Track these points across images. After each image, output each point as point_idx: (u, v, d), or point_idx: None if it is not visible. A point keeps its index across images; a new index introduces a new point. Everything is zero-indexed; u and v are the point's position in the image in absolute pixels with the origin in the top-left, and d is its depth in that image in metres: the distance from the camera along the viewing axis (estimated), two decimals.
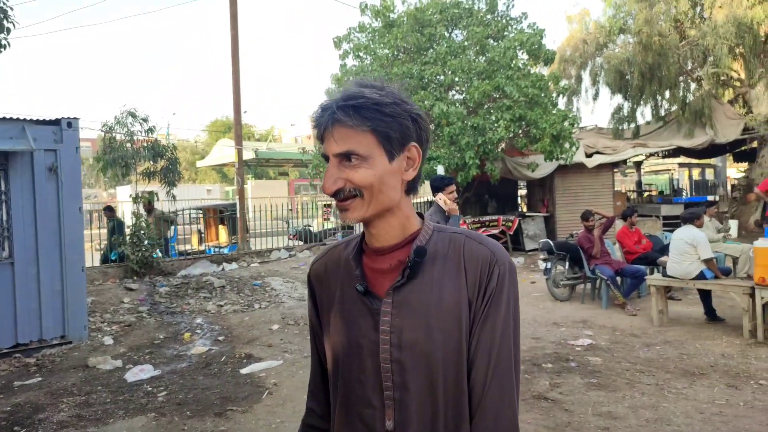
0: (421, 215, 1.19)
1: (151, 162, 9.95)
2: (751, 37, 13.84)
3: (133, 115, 9.76)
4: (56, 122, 6.52)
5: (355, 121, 1.04)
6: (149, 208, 10.59)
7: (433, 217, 4.66)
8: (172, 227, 12.60)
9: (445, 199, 4.88)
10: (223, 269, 10.65)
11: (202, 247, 13.86)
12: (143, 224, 9.73)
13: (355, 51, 13.03)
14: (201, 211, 15.17)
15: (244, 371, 5.48)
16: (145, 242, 9.70)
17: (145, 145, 10.01)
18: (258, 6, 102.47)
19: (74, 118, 6.62)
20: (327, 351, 1.20)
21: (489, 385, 1.05)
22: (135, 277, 9.59)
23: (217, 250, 13.50)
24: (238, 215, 12.66)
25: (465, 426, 1.07)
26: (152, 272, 9.85)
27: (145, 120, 9.89)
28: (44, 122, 6.51)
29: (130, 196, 10.41)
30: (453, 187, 4.99)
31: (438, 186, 4.99)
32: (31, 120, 6.45)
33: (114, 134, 9.67)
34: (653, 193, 19.80)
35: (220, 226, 14.97)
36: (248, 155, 19.65)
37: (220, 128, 46.11)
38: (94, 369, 5.71)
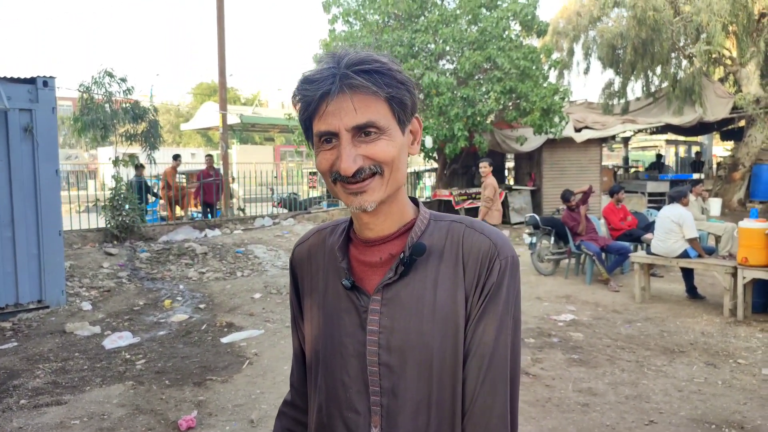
0: (414, 200, 1.05)
1: (131, 124, 9.64)
2: (745, 15, 13.71)
3: (111, 75, 9.41)
4: (31, 81, 6.26)
5: (374, 87, 0.90)
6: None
7: None
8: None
9: None
10: (205, 235, 10.51)
11: (184, 213, 13.65)
12: (123, 188, 9.53)
13: (345, 16, 12.71)
14: (184, 176, 14.91)
15: (224, 340, 5.42)
16: (126, 207, 9.51)
17: (125, 106, 9.70)
18: None
19: (50, 77, 6.36)
20: (307, 345, 1.09)
21: (478, 393, 0.94)
22: (115, 242, 9.42)
23: (199, 215, 13.30)
24: (221, 181, 12.46)
25: None
26: (133, 237, 9.69)
27: (124, 80, 9.55)
28: (19, 80, 6.24)
29: (110, 159, 10.14)
30: None
31: None
32: (4, 77, 6.16)
33: (91, 95, 9.33)
34: (639, 169, 19.85)
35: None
36: (233, 120, 19.30)
37: (206, 91, 45.19)
38: (71, 335, 5.61)
